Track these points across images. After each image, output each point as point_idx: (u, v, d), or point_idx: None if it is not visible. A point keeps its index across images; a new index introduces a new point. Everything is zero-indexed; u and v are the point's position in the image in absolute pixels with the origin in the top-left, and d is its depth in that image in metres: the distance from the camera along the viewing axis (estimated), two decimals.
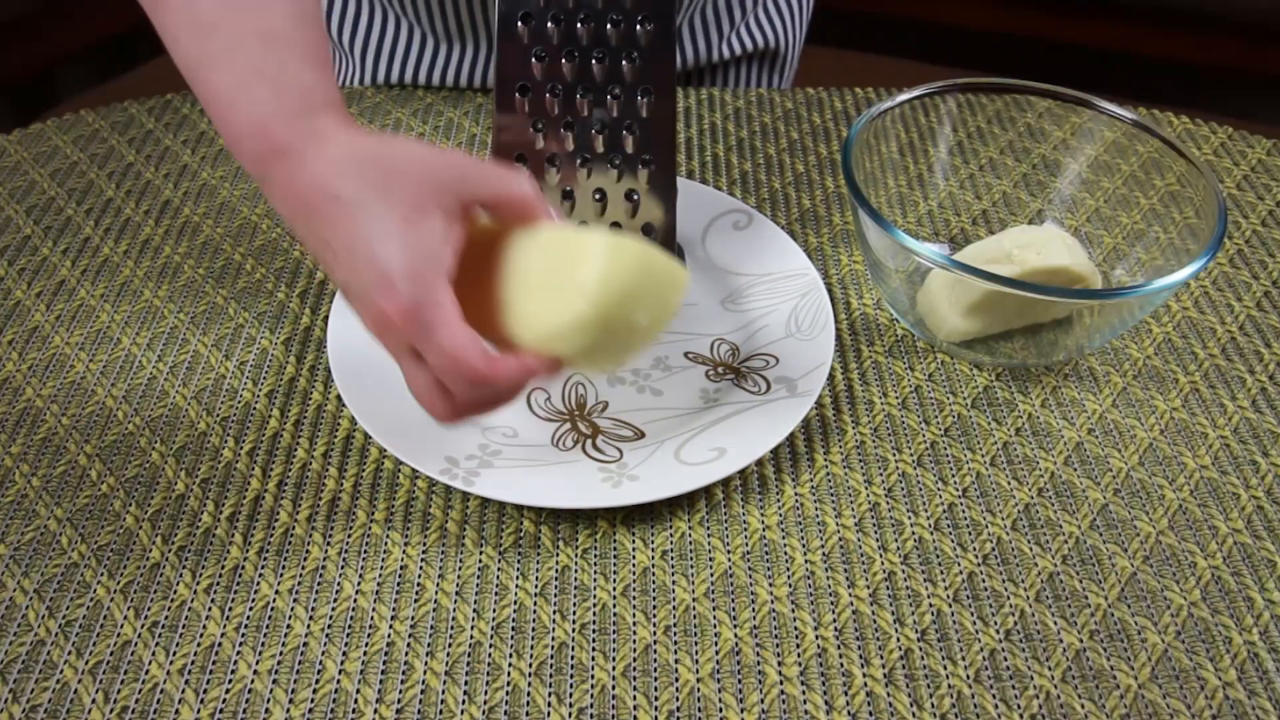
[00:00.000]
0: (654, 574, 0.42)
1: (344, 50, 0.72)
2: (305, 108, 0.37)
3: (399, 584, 0.41)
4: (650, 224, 0.49)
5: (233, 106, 0.38)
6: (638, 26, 0.46)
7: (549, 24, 0.46)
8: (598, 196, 0.49)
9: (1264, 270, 0.57)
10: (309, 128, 0.37)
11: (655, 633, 0.40)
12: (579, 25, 0.46)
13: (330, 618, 0.40)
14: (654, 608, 0.41)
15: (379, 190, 0.35)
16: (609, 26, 0.46)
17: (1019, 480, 0.46)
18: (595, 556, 0.43)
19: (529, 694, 0.38)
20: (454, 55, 0.69)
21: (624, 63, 0.47)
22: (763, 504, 0.44)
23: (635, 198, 0.49)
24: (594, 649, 0.40)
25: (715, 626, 0.40)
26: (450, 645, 0.40)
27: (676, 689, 0.38)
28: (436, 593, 0.41)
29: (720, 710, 0.38)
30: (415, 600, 0.41)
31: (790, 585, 0.42)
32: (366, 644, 0.39)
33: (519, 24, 0.46)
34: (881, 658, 0.39)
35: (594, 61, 0.47)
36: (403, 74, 0.70)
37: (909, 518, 0.44)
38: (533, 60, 0.47)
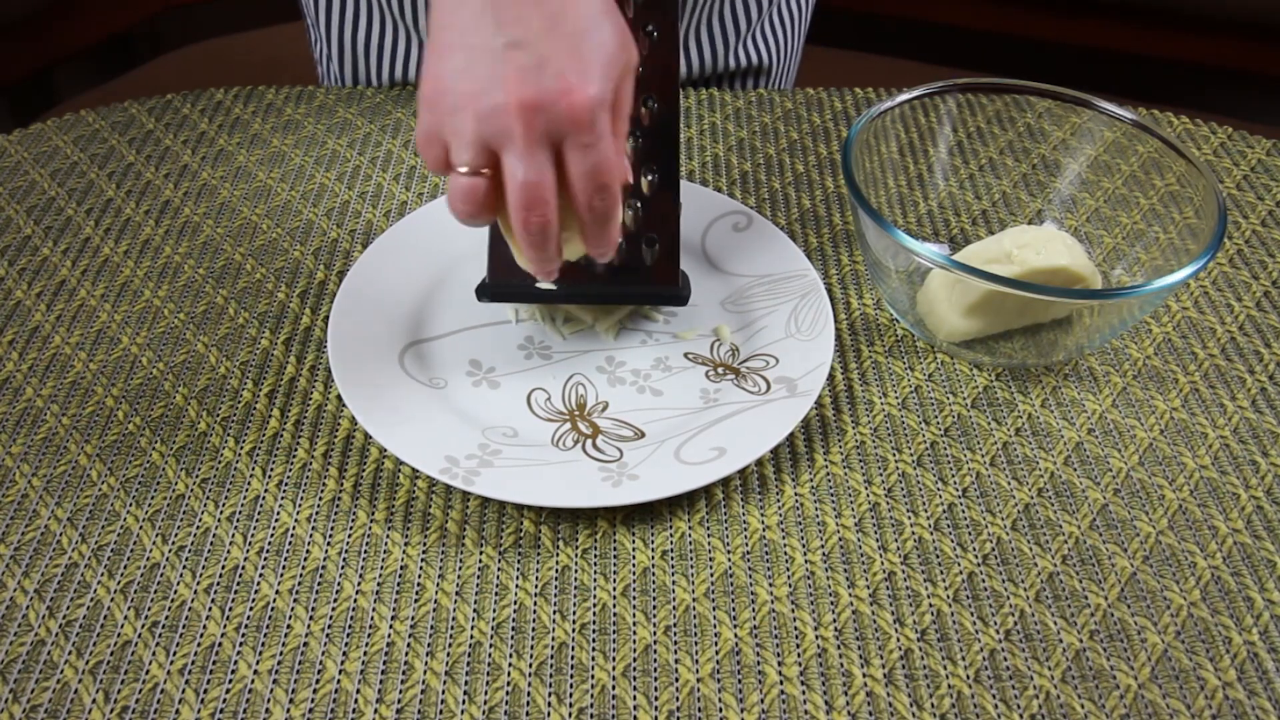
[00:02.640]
0: (654, 574, 0.42)
1: (336, 49, 0.73)
2: None
3: (399, 584, 0.41)
4: (653, 236, 0.49)
5: None
6: (643, 33, 0.46)
7: None
8: None
9: (1264, 270, 0.57)
10: None
11: (655, 633, 0.40)
12: None
13: (330, 618, 0.40)
14: (654, 608, 0.41)
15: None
16: None
17: (1019, 480, 0.46)
18: (595, 556, 0.43)
19: (529, 694, 0.38)
20: None
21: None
22: (763, 504, 0.44)
23: (636, 206, 0.49)
24: (594, 649, 0.40)
25: (715, 626, 0.40)
26: (450, 645, 0.40)
27: (676, 689, 0.38)
28: (436, 593, 0.41)
29: (720, 710, 0.38)
30: (415, 600, 0.41)
31: (790, 585, 0.42)
32: (366, 644, 0.39)
33: None
34: (881, 658, 0.39)
35: None
36: (392, 72, 0.70)
37: (909, 518, 0.44)
38: None
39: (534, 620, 0.40)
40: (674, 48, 0.47)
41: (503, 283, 0.48)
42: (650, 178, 0.48)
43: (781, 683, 0.39)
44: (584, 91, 0.37)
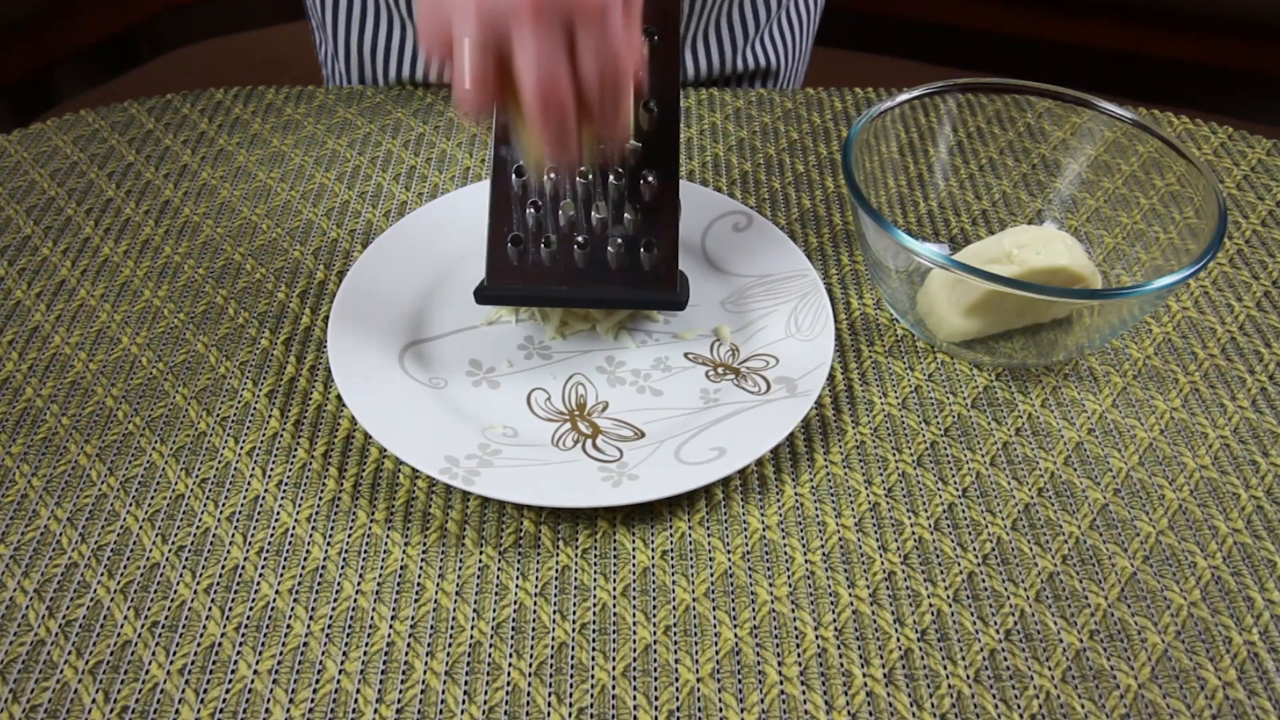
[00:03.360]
0: (654, 574, 0.42)
1: (343, 50, 0.73)
2: None
3: (399, 584, 0.41)
4: (652, 240, 0.48)
5: None
6: (644, 38, 0.46)
7: None
8: (597, 212, 0.48)
9: (1264, 270, 0.57)
10: None
11: (655, 633, 0.40)
12: None
13: (330, 618, 0.40)
14: (654, 608, 0.41)
15: None
16: None
17: (1019, 480, 0.46)
18: (595, 556, 0.43)
19: (529, 694, 0.38)
20: None
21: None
22: (763, 504, 0.44)
23: (639, 209, 0.48)
24: (594, 649, 0.40)
25: (715, 626, 0.40)
26: (450, 645, 0.40)
27: (676, 689, 0.38)
28: (436, 593, 0.41)
29: (720, 710, 0.38)
30: (415, 600, 0.41)
31: (790, 585, 0.42)
32: (366, 644, 0.39)
33: None
34: (881, 658, 0.39)
35: None
36: (399, 72, 0.70)
37: (909, 518, 0.44)
38: None
39: (534, 620, 0.40)
40: (675, 52, 0.47)
41: (500, 287, 0.48)
42: (650, 181, 0.48)
43: (781, 683, 0.39)
44: None
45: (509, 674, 0.39)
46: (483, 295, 0.48)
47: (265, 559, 0.42)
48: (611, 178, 0.48)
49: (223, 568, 0.42)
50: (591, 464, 0.44)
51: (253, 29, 1.84)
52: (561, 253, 0.48)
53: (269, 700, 0.38)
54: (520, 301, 0.49)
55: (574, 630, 0.40)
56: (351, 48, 0.71)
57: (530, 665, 0.39)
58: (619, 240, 0.48)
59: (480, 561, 0.42)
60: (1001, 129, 0.63)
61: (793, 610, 0.41)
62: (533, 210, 0.48)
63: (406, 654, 0.39)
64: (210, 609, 0.40)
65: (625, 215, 0.48)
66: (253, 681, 0.38)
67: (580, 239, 0.48)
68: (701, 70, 0.74)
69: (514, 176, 0.48)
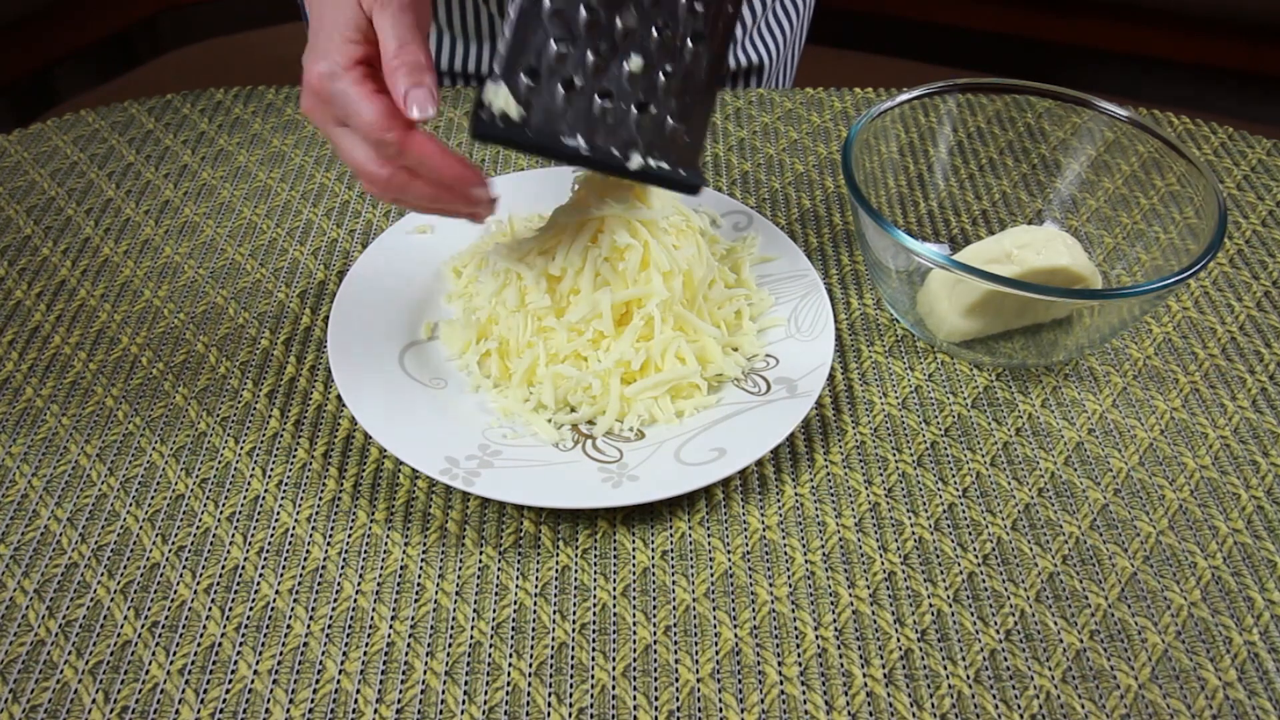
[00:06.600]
0: (654, 574, 0.42)
1: None
2: None
3: (399, 584, 0.41)
4: (686, 108, 0.42)
5: None
6: None
7: None
8: (627, 63, 0.42)
9: (1264, 270, 0.57)
10: None
11: (655, 633, 0.40)
12: None
13: (330, 618, 0.40)
14: (654, 608, 0.41)
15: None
16: None
17: (1019, 480, 0.46)
18: (595, 556, 0.43)
19: (529, 694, 0.38)
20: (458, 48, 0.70)
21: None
22: (763, 504, 0.44)
23: (667, 71, 0.42)
24: (594, 649, 0.40)
25: (715, 626, 0.40)
26: (450, 645, 0.40)
27: (676, 689, 0.38)
28: (436, 593, 0.41)
29: (720, 710, 0.38)
30: (415, 600, 0.41)
31: (790, 585, 0.42)
32: (366, 644, 0.39)
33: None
34: (881, 658, 0.39)
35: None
36: None
37: (909, 518, 0.44)
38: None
39: (534, 620, 0.40)
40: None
41: (504, 125, 0.41)
42: (698, 50, 0.42)
43: (781, 683, 0.39)
44: (311, 70, 0.40)
45: (509, 674, 0.39)
46: (482, 129, 0.40)
47: (265, 559, 0.42)
48: (655, 31, 0.42)
49: (223, 568, 0.42)
50: (591, 465, 0.44)
51: (253, 29, 1.84)
52: (580, 99, 0.41)
53: (269, 700, 0.38)
54: (521, 147, 0.41)
55: (574, 630, 0.40)
56: None
57: (530, 665, 0.39)
58: (646, 102, 0.42)
59: (480, 561, 0.42)
60: (1001, 129, 0.63)
61: (793, 610, 0.41)
62: (556, 43, 0.41)
63: (406, 654, 0.39)
64: (210, 609, 0.40)
65: (659, 76, 0.42)
66: (253, 681, 0.38)
67: (606, 86, 0.41)
68: None
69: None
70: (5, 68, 1.66)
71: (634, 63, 0.42)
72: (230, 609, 0.40)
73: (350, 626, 0.40)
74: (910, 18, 1.92)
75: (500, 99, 0.40)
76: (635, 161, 0.42)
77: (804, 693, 0.38)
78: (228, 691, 0.38)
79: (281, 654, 0.39)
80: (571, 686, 0.38)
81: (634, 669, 0.39)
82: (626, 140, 0.42)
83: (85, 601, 0.40)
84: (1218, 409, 0.49)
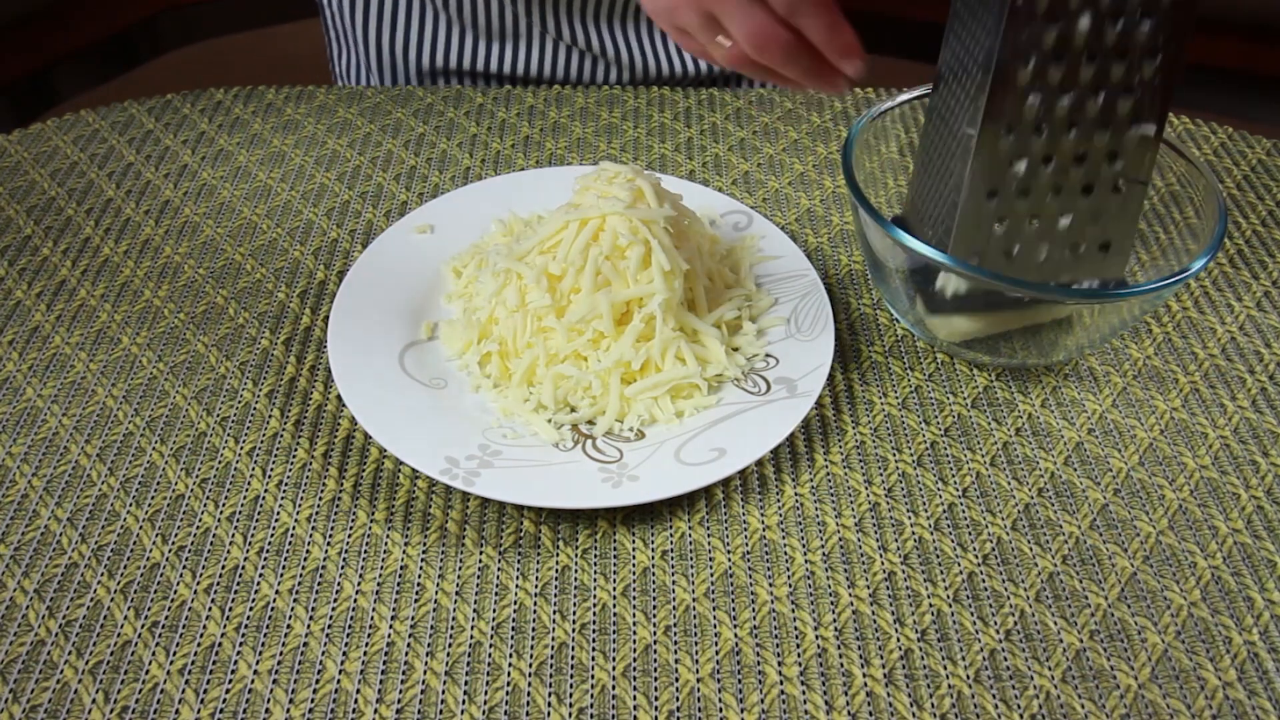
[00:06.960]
0: (654, 574, 0.42)
1: (361, 44, 0.73)
2: None
3: (399, 584, 0.41)
4: (1109, 233, 0.42)
5: None
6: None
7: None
8: (1054, 193, 0.42)
9: (1264, 270, 0.57)
10: None
11: (655, 633, 0.40)
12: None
13: (330, 618, 0.40)
14: (654, 608, 0.41)
15: None
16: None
17: (1019, 480, 0.46)
18: (595, 556, 0.43)
19: (529, 694, 0.38)
20: (480, 45, 0.70)
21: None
22: (763, 504, 0.44)
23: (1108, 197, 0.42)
24: (594, 649, 0.40)
25: (715, 626, 0.40)
26: (450, 645, 0.40)
27: (676, 689, 0.38)
28: (436, 593, 0.41)
29: (720, 710, 0.38)
30: (415, 600, 0.41)
31: (790, 585, 0.42)
32: (366, 644, 0.39)
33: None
34: (881, 658, 0.39)
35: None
36: (433, 62, 0.71)
37: (909, 518, 0.44)
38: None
39: (534, 620, 0.40)
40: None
41: (972, 266, 0.41)
42: (1123, 172, 0.42)
43: (781, 683, 0.39)
44: None
45: (509, 674, 0.39)
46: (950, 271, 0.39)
47: (265, 559, 0.42)
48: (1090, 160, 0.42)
49: (223, 568, 0.42)
50: (591, 465, 0.44)
51: (253, 29, 1.84)
52: (1030, 237, 0.41)
53: (269, 700, 0.38)
54: (987, 296, 0.40)
55: (574, 630, 0.40)
56: (382, 44, 0.72)
57: (530, 665, 0.39)
58: (1079, 228, 0.42)
59: (480, 561, 0.42)
60: None
61: (793, 610, 0.41)
62: (1019, 175, 0.40)
63: (406, 654, 0.39)
64: (210, 609, 0.40)
65: (1084, 202, 0.42)
66: (253, 681, 0.38)
67: (1038, 221, 0.41)
68: (689, 71, 0.74)
69: (1005, 134, 0.40)
70: (5, 68, 1.67)
71: (1060, 193, 0.43)
72: (230, 609, 0.40)
73: (350, 626, 0.40)
74: (910, 18, 1.91)
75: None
76: (1070, 287, 0.44)
77: (804, 693, 0.38)
78: (228, 691, 0.38)
79: (281, 654, 0.39)
80: (571, 686, 0.38)
81: (634, 669, 0.39)
82: (1058, 269, 0.45)
83: (85, 601, 0.40)
84: (1218, 409, 0.49)
